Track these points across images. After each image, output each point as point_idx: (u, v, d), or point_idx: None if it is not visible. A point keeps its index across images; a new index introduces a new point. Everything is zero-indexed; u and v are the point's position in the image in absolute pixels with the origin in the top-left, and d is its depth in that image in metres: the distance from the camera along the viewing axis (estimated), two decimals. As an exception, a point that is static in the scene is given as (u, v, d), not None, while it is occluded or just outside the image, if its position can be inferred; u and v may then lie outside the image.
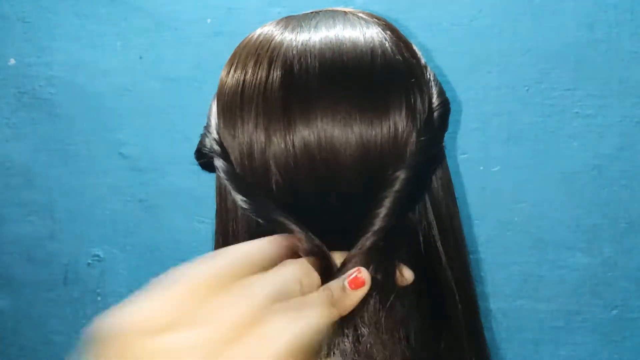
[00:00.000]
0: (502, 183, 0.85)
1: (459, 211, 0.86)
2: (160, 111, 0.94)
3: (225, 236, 0.48)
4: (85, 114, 0.96)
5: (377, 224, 0.41)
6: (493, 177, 0.85)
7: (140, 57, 0.93)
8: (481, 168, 0.85)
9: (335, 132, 0.41)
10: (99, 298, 1.00)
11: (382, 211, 0.41)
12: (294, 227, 0.42)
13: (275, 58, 0.43)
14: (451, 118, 0.84)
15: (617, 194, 0.83)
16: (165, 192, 0.96)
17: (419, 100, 0.43)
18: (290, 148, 0.41)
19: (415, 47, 0.47)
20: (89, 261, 1.00)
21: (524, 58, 0.82)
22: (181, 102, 0.93)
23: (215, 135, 0.46)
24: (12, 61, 0.97)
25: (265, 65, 0.43)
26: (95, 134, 0.96)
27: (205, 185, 0.93)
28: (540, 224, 0.85)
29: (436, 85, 0.46)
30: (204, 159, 0.48)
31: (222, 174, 0.45)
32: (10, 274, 1.03)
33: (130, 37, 0.93)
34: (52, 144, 0.98)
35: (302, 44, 0.43)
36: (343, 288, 0.37)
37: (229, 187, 0.44)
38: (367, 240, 0.41)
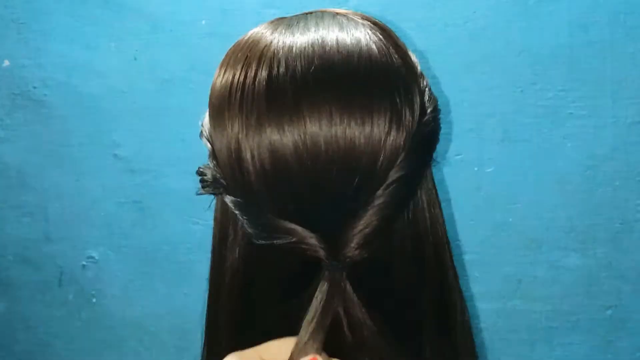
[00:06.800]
0: (497, 184, 0.85)
1: (453, 213, 0.87)
2: (155, 112, 0.94)
3: (221, 247, 0.48)
4: (79, 115, 0.96)
5: (357, 236, 0.41)
6: (487, 178, 0.85)
7: (135, 59, 0.93)
8: (475, 169, 0.85)
9: (319, 133, 0.41)
10: (94, 300, 1.00)
11: (361, 222, 0.41)
12: (291, 229, 0.42)
13: (262, 59, 0.43)
14: (445, 119, 0.84)
15: (611, 194, 0.83)
16: (160, 194, 0.95)
17: (406, 106, 0.42)
18: (277, 148, 0.41)
19: (410, 53, 0.46)
20: (84, 263, 0.99)
21: (518, 59, 0.83)
22: (176, 103, 0.92)
23: (208, 136, 0.47)
24: (7, 63, 0.97)
25: (252, 66, 0.43)
26: (89, 135, 0.96)
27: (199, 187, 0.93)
28: (534, 224, 0.85)
29: (430, 97, 0.45)
30: (206, 185, 0.48)
31: (215, 173, 0.45)
32: (4, 276, 1.03)
33: (124, 38, 0.93)
34: (47, 146, 0.98)
35: (288, 45, 0.43)
36: None
37: (223, 191, 0.44)
38: (347, 253, 0.41)
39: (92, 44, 0.94)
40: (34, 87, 0.97)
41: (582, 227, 0.84)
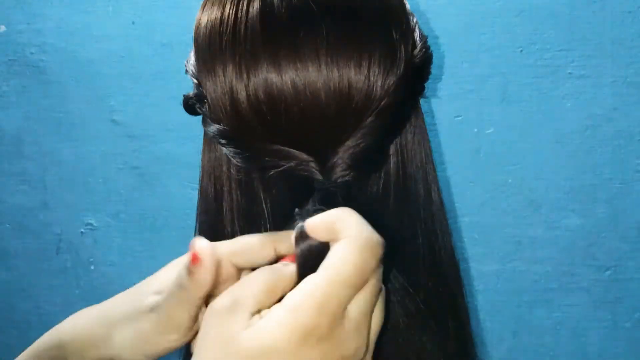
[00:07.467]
0: (496, 145, 0.85)
1: (453, 174, 0.86)
2: (154, 77, 0.93)
3: (216, 194, 0.48)
4: (77, 81, 0.95)
5: (347, 156, 0.41)
6: (487, 139, 0.85)
7: (133, 23, 0.92)
8: (475, 130, 0.85)
9: (316, 70, 0.40)
10: (92, 267, 1.00)
11: (351, 143, 0.41)
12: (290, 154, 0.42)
13: None
14: (445, 80, 0.83)
15: (610, 154, 0.83)
16: (158, 159, 0.95)
17: (401, 42, 0.43)
18: (273, 85, 0.41)
19: None
20: (82, 230, 0.99)
21: (517, 19, 0.82)
22: (174, 67, 0.92)
23: (194, 79, 0.46)
24: (3, 28, 0.96)
25: (244, 0, 0.43)
26: (87, 101, 0.96)
27: (198, 151, 0.92)
28: (534, 185, 0.85)
29: (420, 34, 0.46)
30: (190, 109, 0.48)
31: (207, 119, 0.45)
32: (2, 245, 1.02)
33: (122, 2, 0.92)
34: (44, 112, 0.97)
35: None
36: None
37: (213, 132, 0.44)
38: (338, 173, 0.41)
39: (89, 9, 0.93)
40: (31, 53, 0.96)
41: (581, 187, 0.84)
